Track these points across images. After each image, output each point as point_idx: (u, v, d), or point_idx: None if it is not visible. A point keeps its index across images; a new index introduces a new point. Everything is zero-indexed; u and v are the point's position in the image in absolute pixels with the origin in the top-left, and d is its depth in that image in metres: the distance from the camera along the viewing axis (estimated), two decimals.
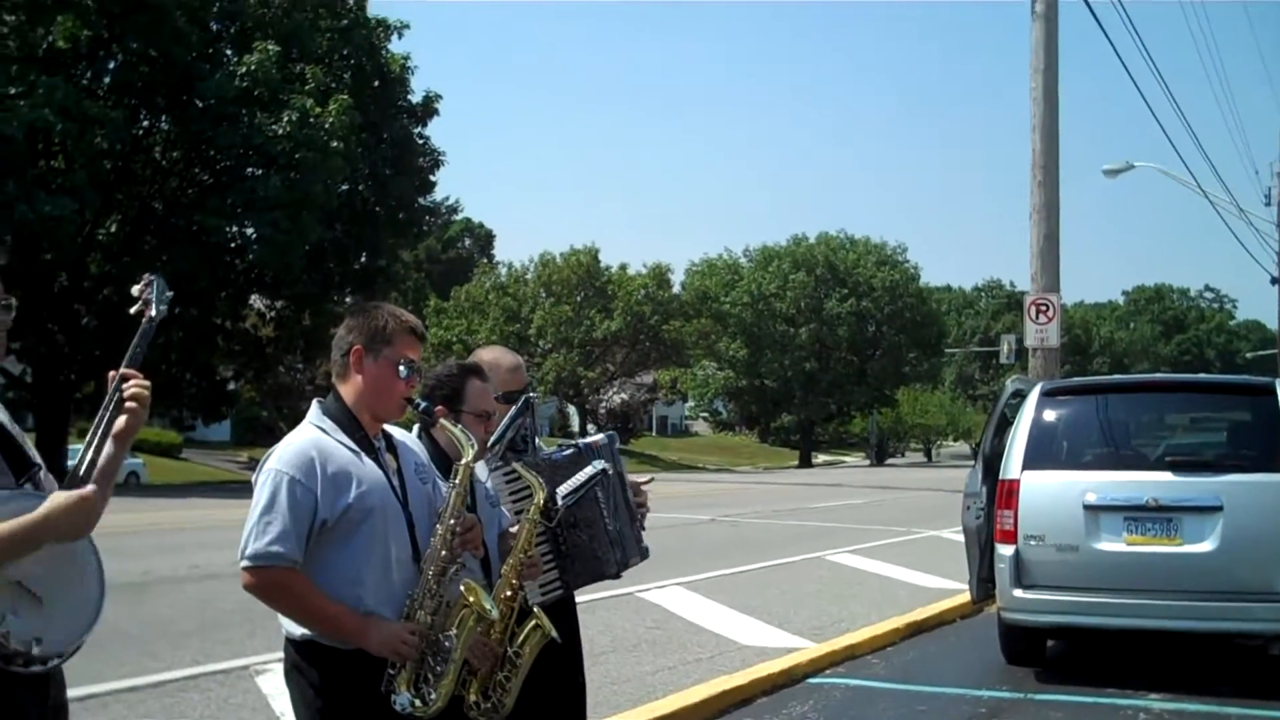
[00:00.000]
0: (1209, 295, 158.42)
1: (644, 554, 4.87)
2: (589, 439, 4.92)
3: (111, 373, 3.12)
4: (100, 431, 3.04)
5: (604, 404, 79.88)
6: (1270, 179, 37.77)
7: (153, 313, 3.31)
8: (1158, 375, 12.69)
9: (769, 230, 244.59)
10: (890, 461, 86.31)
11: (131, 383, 3.09)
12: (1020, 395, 10.00)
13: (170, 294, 3.41)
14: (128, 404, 3.08)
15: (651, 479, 5.17)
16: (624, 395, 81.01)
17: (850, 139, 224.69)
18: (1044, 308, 14.89)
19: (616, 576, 4.78)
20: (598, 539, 4.60)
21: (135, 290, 3.33)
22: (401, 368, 3.62)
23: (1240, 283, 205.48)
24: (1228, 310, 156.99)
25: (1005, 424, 9.89)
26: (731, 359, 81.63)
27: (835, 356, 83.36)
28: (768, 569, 15.22)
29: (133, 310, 3.32)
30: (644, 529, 4.93)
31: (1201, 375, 20.67)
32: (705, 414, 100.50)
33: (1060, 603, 8.83)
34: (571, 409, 76.34)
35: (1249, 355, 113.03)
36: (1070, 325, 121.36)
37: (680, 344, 70.48)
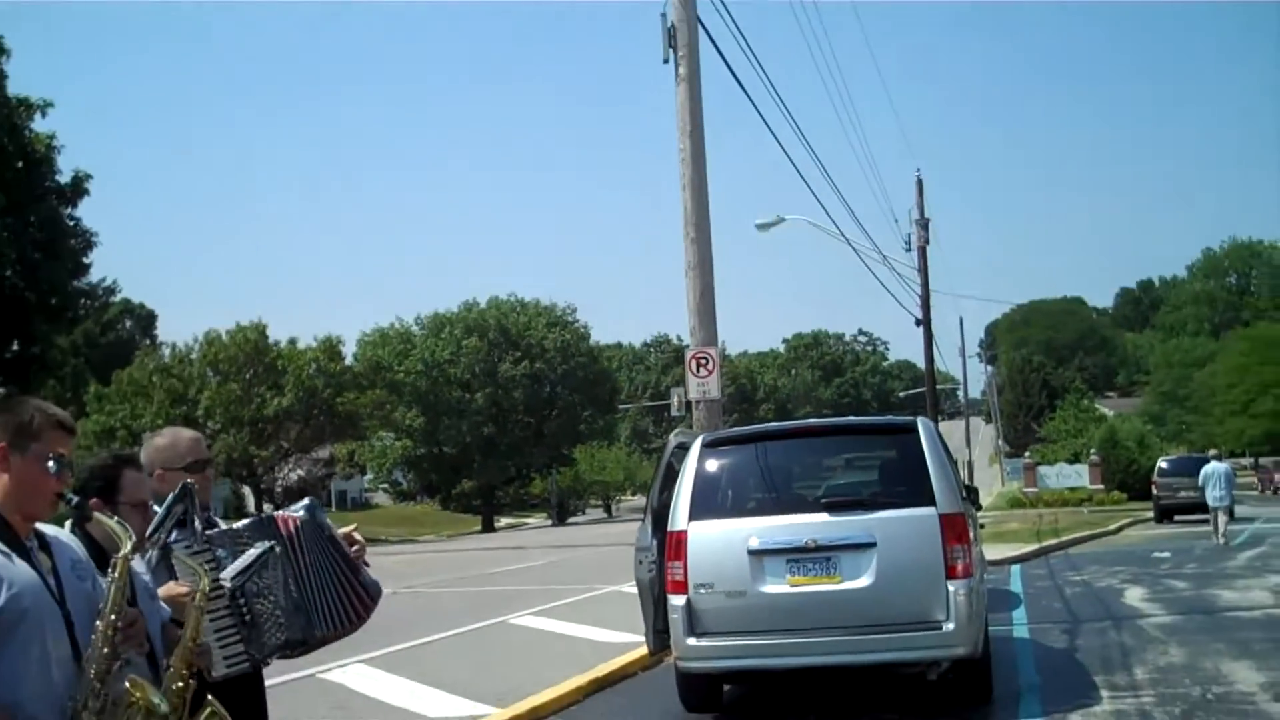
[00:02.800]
0: (863, 339, 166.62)
1: (376, 590, 4.84)
2: (282, 511, 4.84)
3: None
4: None
5: (280, 482, 77.65)
6: (909, 226, 40.07)
7: None
8: (810, 421, 13.17)
9: (440, 297, 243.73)
10: (572, 520, 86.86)
11: None
12: (684, 448, 10.28)
13: None
14: None
15: (355, 526, 5.11)
16: (300, 471, 78.85)
17: (520, 200, 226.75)
18: (704, 361, 15.36)
19: (304, 644, 4.70)
20: (280, 607, 4.55)
21: None
22: (50, 463, 3.51)
23: (890, 325, 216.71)
24: (880, 352, 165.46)
25: (672, 477, 10.13)
26: (409, 428, 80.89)
27: (512, 419, 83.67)
28: (452, 638, 15.12)
29: None
30: (368, 565, 4.90)
31: (851, 418, 21.66)
32: (385, 485, 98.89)
33: (731, 647, 9.12)
34: (246, 489, 73.85)
35: (902, 394, 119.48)
36: (735, 375, 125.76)
37: (355, 416, 69.23)
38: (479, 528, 79.21)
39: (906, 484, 9.44)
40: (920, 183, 40.62)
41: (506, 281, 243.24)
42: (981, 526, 16.67)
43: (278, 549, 4.57)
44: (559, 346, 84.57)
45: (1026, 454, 63.61)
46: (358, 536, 4.97)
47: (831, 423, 12.64)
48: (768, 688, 10.44)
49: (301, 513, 4.78)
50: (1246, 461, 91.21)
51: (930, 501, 9.09)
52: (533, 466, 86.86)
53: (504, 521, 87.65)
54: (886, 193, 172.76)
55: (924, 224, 40.03)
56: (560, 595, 19.82)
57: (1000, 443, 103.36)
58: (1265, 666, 10.80)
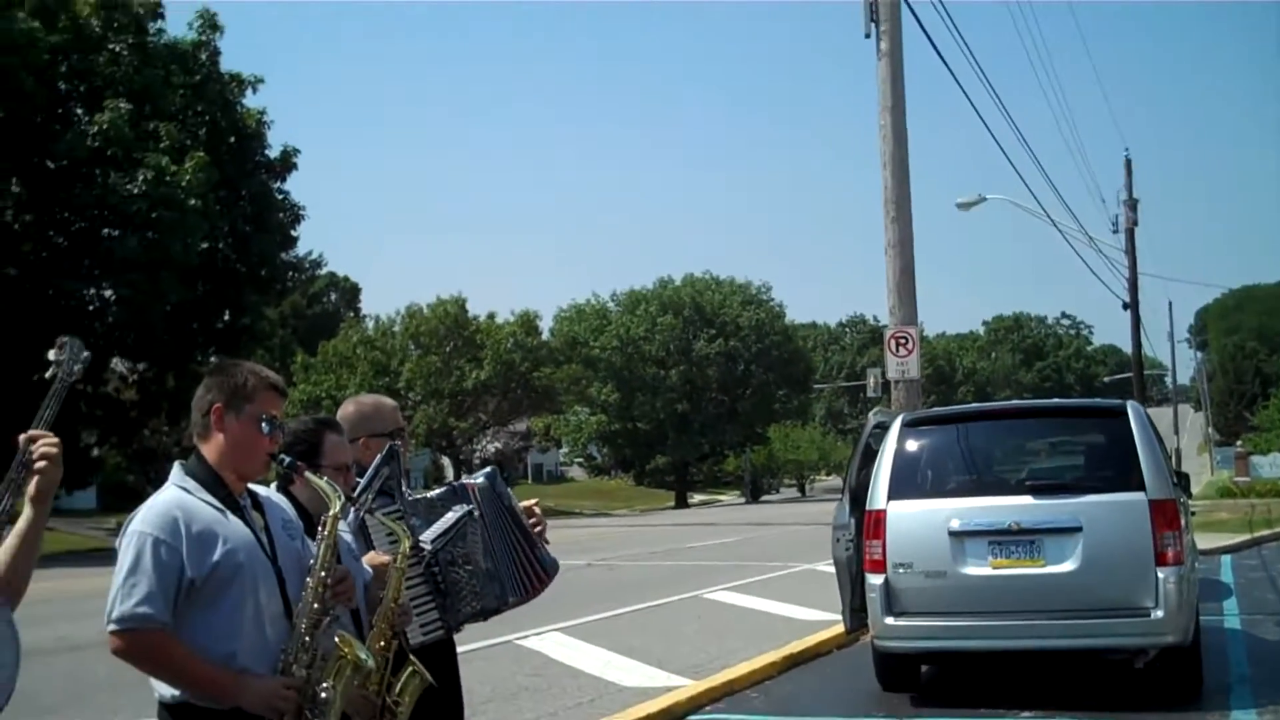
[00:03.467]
0: (1066, 322, 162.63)
1: (553, 567, 4.92)
2: (466, 479, 4.94)
3: (21, 435, 3.12)
4: (9, 492, 3.06)
5: (478, 454, 79.25)
6: (1117, 207, 38.93)
7: (67, 374, 3.31)
8: (1015, 402, 13.00)
9: (636, 274, 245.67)
10: (765, 498, 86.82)
11: (40, 443, 3.11)
12: (883, 427, 10.20)
13: (87, 355, 3.42)
14: (38, 464, 3.09)
15: (536, 500, 5.21)
16: (498, 444, 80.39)
17: (714, 181, 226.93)
18: (903, 340, 15.18)
19: (497, 611, 4.81)
20: (476, 575, 4.65)
21: (50, 354, 3.33)
22: (264, 424, 3.61)
23: (1095, 309, 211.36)
24: (1085, 336, 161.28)
25: (870, 456, 10.07)
26: (603, 403, 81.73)
27: (706, 397, 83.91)
28: (646, 610, 15.28)
29: (48, 374, 3.32)
30: (547, 542, 4.97)
31: (1057, 400, 21.17)
32: (580, 459, 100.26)
33: (930, 628, 9.02)
34: (445, 460, 75.61)
35: (1106, 379, 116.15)
36: (933, 357, 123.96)
37: (551, 390, 70.27)
38: (672, 504, 79.68)
39: (1115, 468, 9.22)
40: (1129, 163, 39.35)
41: (703, 260, 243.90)
42: (1192, 514, 16.19)
43: (476, 514, 4.68)
44: (753, 325, 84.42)
45: (1239, 443, 61.21)
46: (537, 511, 5.01)
47: (1036, 404, 12.42)
48: (965, 671, 10.32)
49: (481, 480, 4.87)
50: None
51: (1140, 487, 8.85)
52: (726, 444, 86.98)
53: (697, 498, 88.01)
54: (1093, 174, 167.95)
55: (1132, 205, 38.81)
56: (753, 572, 19.86)
57: (1210, 430, 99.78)
58: None
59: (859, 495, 9.78)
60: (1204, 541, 24.88)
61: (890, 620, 8.99)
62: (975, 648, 9.12)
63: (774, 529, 36.32)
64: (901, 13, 16.46)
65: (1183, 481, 12.48)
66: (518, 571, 4.81)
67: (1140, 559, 8.70)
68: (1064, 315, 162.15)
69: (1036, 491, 9.15)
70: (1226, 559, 22.22)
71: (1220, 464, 61.62)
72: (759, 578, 19.01)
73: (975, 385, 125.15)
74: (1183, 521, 9.32)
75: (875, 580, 9.11)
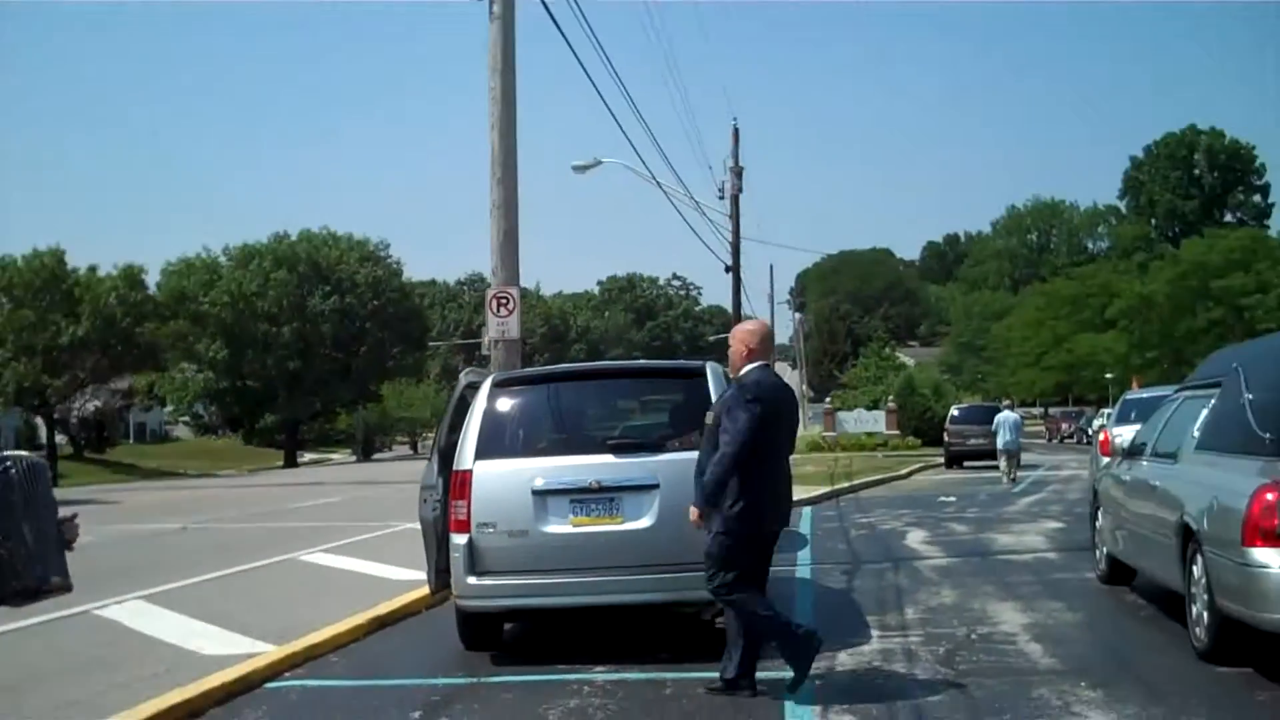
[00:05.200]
0: (676, 283, 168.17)
1: (67, 586, 4.73)
2: (9, 453, 4.69)
3: None
4: None
5: (75, 413, 75.29)
6: (724, 174, 40.42)
7: None
8: (601, 363, 13.40)
9: (250, 228, 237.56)
10: (377, 456, 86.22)
11: None
12: (474, 387, 10.23)
13: None
14: None
15: (76, 513, 5.00)
16: (97, 402, 76.55)
17: (333, 134, 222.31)
18: (504, 301, 15.31)
19: (40, 592, 4.59)
20: (16, 553, 4.42)
21: None
22: None
23: (704, 271, 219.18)
24: (694, 297, 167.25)
25: (461, 417, 10.08)
26: (212, 360, 79.20)
27: (319, 354, 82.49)
28: (238, 574, 14.91)
29: None
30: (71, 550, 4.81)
31: (641, 361, 21.93)
32: (186, 418, 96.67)
33: (512, 586, 9.15)
34: (39, 419, 71.38)
35: (711, 338, 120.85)
36: (548, 315, 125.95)
37: (156, 347, 67.49)
38: (281, 463, 78.07)
39: (693, 427, 9.54)
40: (736, 132, 40.86)
41: (322, 217, 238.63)
42: None
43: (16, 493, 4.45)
44: (370, 282, 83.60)
45: (827, 399, 65.00)
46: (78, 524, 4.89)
47: (621, 365, 12.68)
48: (548, 627, 10.52)
49: (26, 461, 4.67)
50: (1037, 411, 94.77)
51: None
52: (339, 402, 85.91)
53: (308, 457, 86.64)
54: (703, 142, 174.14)
55: (738, 172, 40.38)
56: (355, 532, 19.70)
57: (805, 388, 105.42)
58: (1029, 609, 11.25)
59: (448, 455, 9.78)
60: None
61: (472, 580, 9.05)
62: (554, 604, 9.29)
63: (381, 488, 36.10)
64: None
65: None
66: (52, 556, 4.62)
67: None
68: (675, 276, 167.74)
69: (618, 450, 9.40)
70: (808, 511, 23.53)
71: (812, 420, 65.21)
72: (359, 538, 18.86)
73: (588, 344, 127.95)
74: None
75: (459, 540, 9.15)
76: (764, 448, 7.93)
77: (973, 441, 40.43)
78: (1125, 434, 13.45)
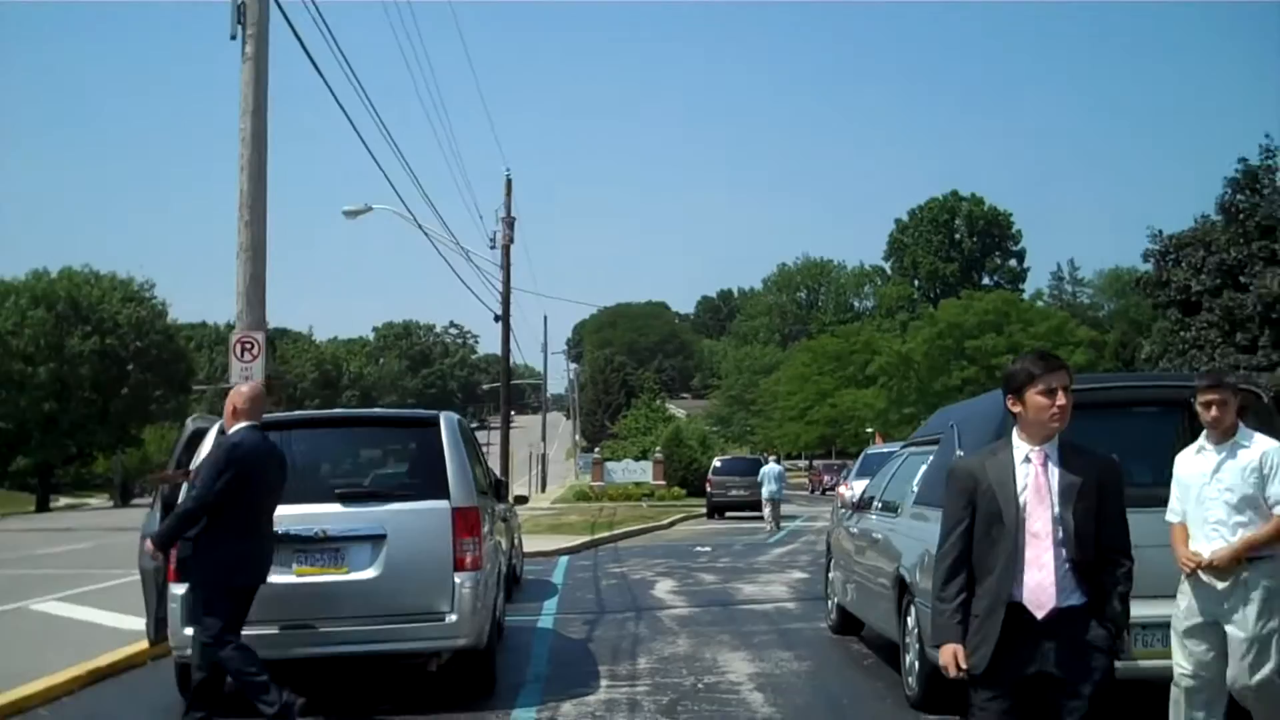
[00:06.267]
0: (454, 331, 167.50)
1: None
2: None
3: None
4: None
5: None
6: (495, 224, 40.58)
7: None
8: (334, 411, 13.30)
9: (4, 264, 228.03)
10: (135, 501, 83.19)
11: None
12: (200, 434, 10.02)
13: None
14: None
15: None
16: None
17: (99, 168, 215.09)
18: (249, 345, 15.02)
19: None
20: None
21: None
22: None
23: (482, 320, 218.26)
24: (470, 345, 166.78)
25: (186, 462, 9.86)
26: None
27: (77, 396, 79.29)
28: None
29: None
30: None
31: (376, 410, 21.78)
32: None
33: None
34: None
35: (485, 387, 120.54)
36: (320, 361, 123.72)
37: None
38: (33, 508, 74.72)
39: (422, 477, 9.53)
40: (509, 183, 41.15)
41: (84, 255, 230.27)
42: (512, 521, 17.08)
43: None
44: (133, 323, 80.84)
45: (596, 450, 65.43)
46: None
47: (353, 413, 12.55)
48: (274, 680, 10.33)
49: None
50: (803, 464, 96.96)
51: (444, 495, 9.23)
52: (97, 445, 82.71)
53: (62, 501, 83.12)
54: (473, 192, 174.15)
55: (510, 222, 40.69)
56: (98, 580, 18.98)
57: (578, 438, 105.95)
58: (759, 658, 11.51)
59: (170, 502, 9.55)
60: (548, 543, 26.51)
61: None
62: (276, 655, 9.09)
63: (135, 534, 34.68)
64: (270, 16, 16.25)
65: (500, 489, 13.18)
66: None
67: (440, 564, 9.06)
68: (452, 324, 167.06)
69: (346, 499, 9.30)
70: (564, 560, 23.64)
71: (583, 469, 65.51)
72: (100, 585, 18.19)
73: (361, 390, 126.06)
74: (486, 528, 9.81)
75: (177, 590, 8.94)
76: (239, 507, 8.27)
77: (734, 492, 41.30)
78: (859, 488, 13.89)
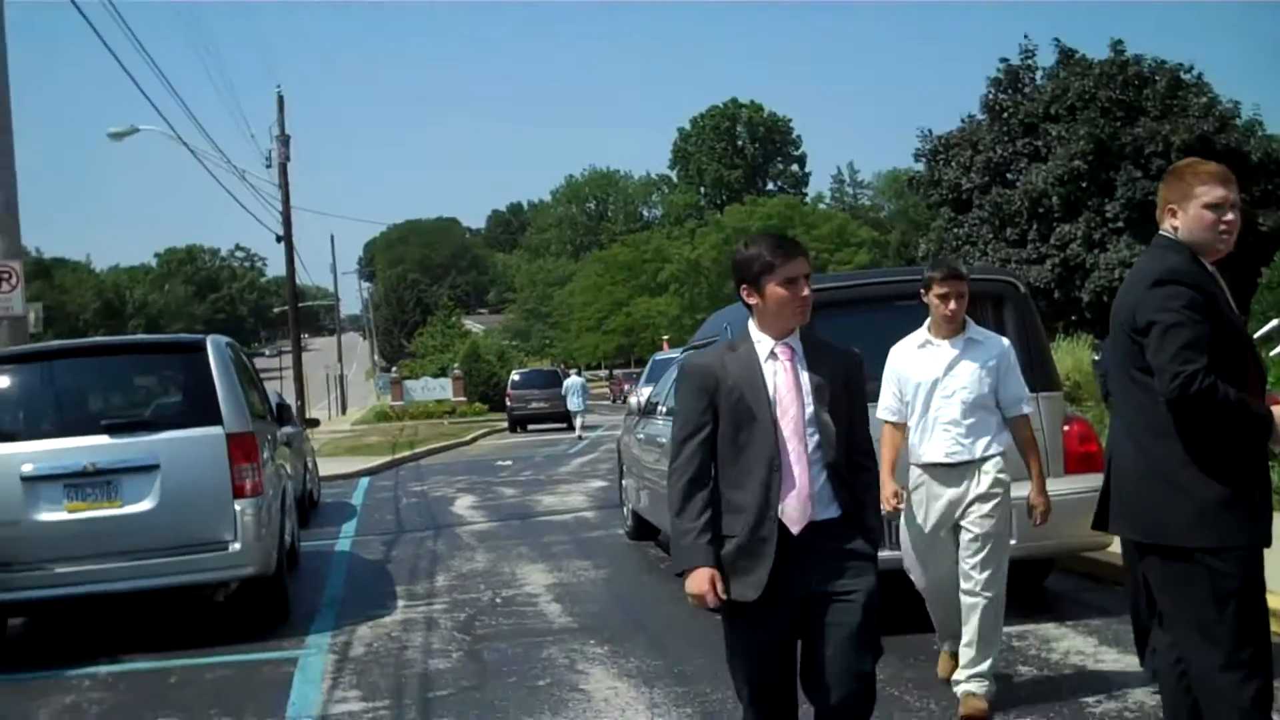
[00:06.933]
0: (240, 254, 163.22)
1: None
2: None
3: None
4: None
5: None
6: (270, 142, 39.33)
7: None
8: (96, 339, 12.60)
9: None
10: None
11: None
12: None
13: None
14: None
15: None
16: None
17: None
18: (6, 275, 14.22)
19: None
20: None
21: None
22: None
23: (270, 243, 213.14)
24: (259, 268, 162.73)
25: None
26: None
27: None
28: None
29: None
30: None
31: (138, 337, 21.06)
32: None
33: (6, 580, 8.49)
34: None
35: (277, 310, 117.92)
36: (102, 290, 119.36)
37: None
38: None
39: (193, 404, 9.12)
40: (281, 99, 39.88)
41: None
42: (300, 444, 16.70)
43: None
44: None
45: (394, 369, 64.65)
46: None
47: (117, 341, 12.00)
48: (54, 622, 9.90)
49: None
50: (604, 374, 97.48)
51: (217, 421, 8.87)
52: None
53: None
54: (244, 112, 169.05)
55: (285, 140, 39.48)
56: None
57: (376, 358, 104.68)
58: (557, 568, 11.47)
59: None
60: (347, 465, 26.08)
61: None
62: (52, 596, 8.68)
63: None
64: None
65: (281, 412, 12.81)
66: None
67: (218, 492, 8.73)
68: (239, 248, 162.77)
69: (115, 430, 8.84)
70: (365, 481, 23.29)
71: (381, 389, 64.67)
72: None
73: (147, 318, 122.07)
74: (265, 453, 9.47)
75: None
76: None
77: (534, 405, 41.29)
78: (646, 394, 13.87)
